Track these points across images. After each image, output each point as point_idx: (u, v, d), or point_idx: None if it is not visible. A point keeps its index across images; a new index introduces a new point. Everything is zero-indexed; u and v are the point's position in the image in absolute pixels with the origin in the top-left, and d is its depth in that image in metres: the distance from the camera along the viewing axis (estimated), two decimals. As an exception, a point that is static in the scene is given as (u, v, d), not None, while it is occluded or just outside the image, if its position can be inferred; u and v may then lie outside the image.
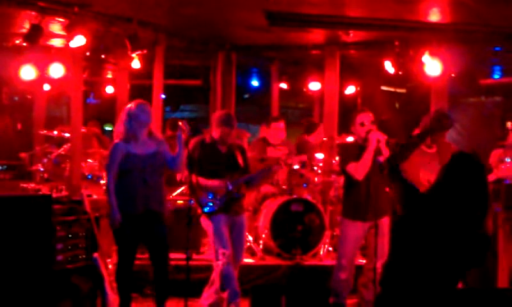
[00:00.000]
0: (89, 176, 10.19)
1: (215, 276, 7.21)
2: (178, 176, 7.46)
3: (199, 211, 7.47)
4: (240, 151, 7.71)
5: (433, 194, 4.70)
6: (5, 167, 10.65)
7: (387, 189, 7.29)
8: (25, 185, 9.45)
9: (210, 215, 7.38)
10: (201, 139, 7.60)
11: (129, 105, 7.15)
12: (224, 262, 7.21)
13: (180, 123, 7.15)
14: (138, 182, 6.99)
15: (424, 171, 7.23)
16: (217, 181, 7.41)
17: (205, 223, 7.51)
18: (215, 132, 7.55)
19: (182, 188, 9.19)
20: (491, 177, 9.28)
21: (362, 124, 7.31)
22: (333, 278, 7.48)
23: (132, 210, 6.98)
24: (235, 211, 7.55)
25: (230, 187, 7.43)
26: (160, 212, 7.12)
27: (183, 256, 7.46)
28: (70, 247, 7.60)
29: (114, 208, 6.95)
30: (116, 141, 7.12)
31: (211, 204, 7.38)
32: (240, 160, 7.62)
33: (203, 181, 7.37)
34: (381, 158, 7.11)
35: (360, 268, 7.75)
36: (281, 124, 10.00)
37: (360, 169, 7.18)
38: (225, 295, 7.21)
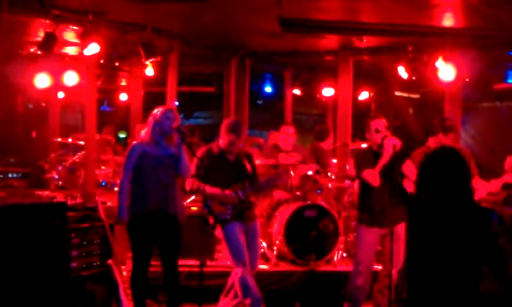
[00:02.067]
0: (104, 183, 10.20)
1: (233, 284, 7.18)
2: (187, 186, 7.42)
3: (211, 220, 7.44)
4: (248, 158, 7.70)
5: (417, 195, 4.67)
6: (20, 175, 10.69)
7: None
8: (40, 193, 9.47)
9: (223, 223, 7.37)
10: (208, 149, 7.58)
11: (155, 111, 7.17)
12: (242, 270, 7.20)
13: (180, 128, 7.12)
14: (151, 180, 6.99)
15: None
16: (226, 192, 7.39)
17: (220, 232, 7.49)
18: (222, 141, 7.54)
19: (193, 197, 9.19)
20: (498, 182, 9.16)
21: (377, 130, 7.29)
22: (350, 284, 7.45)
23: (145, 207, 6.97)
24: (248, 217, 7.54)
25: (241, 195, 7.41)
26: (174, 214, 7.09)
27: (197, 262, 7.44)
28: (84, 254, 7.62)
29: (122, 205, 6.96)
30: (134, 142, 7.17)
31: (223, 213, 7.36)
32: (248, 168, 7.61)
33: (212, 190, 7.36)
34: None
35: (375, 274, 7.72)
36: (291, 129, 9.96)
37: (375, 176, 7.15)
38: (247, 301, 7.19)
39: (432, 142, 8.02)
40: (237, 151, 7.59)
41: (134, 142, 7.20)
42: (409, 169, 7.15)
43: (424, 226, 4.61)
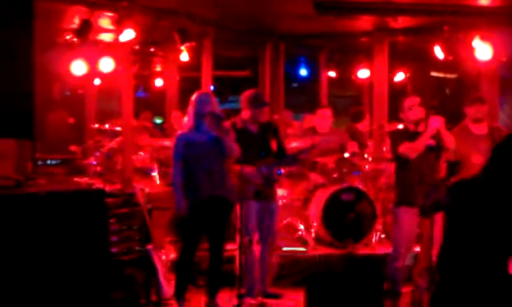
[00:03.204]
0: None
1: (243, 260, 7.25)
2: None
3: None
4: (273, 131, 7.67)
5: (484, 176, 4.57)
6: (59, 161, 10.77)
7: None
8: (78, 179, 9.52)
9: (243, 200, 7.34)
10: (232, 123, 7.55)
11: (195, 95, 7.21)
12: (250, 248, 7.35)
13: (214, 112, 7.10)
14: (200, 169, 7.05)
15: (476, 154, 7.14)
16: (250, 168, 7.36)
17: (237, 208, 7.47)
18: (244, 113, 7.53)
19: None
20: None
21: (410, 108, 7.24)
22: (389, 266, 7.39)
23: (197, 197, 7.03)
24: (267, 196, 7.52)
25: (265, 171, 7.39)
26: (226, 198, 7.13)
27: (235, 246, 7.45)
28: (124, 240, 7.63)
29: (178, 196, 7.04)
30: (178, 132, 7.22)
31: (246, 191, 7.34)
32: (273, 142, 7.59)
33: (237, 167, 7.34)
34: (432, 142, 7.04)
35: (415, 256, 7.65)
36: (328, 111, 9.88)
37: (413, 149, 7.06)
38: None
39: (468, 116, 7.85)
40: (260, 123, 7.58)
41: (179, 132, 7.25)
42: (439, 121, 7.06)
43: (467, 210, 4.54)
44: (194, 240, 7.15)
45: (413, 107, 7.23)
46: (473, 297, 4.43)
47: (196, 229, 7.10)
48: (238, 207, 7.39)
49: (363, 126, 10.86)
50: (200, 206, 7.02)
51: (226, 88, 15.29)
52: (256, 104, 7.53)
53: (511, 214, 4.37)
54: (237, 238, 7.35)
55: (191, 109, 7.18)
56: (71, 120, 13.16)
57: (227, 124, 7.13)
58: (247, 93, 7.69)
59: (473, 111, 7.64)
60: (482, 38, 10.12)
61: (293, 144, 9.33)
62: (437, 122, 7.00)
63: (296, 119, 13.40)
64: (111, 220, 7.48)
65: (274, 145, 7.63)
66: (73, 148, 11.41)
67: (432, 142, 7.09)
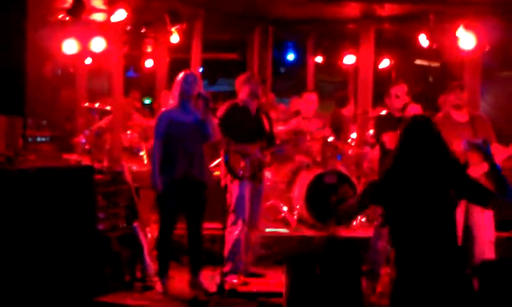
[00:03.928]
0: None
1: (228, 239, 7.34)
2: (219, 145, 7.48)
3: (226, 180, 7.47)
4: (266, 116, 7.76)
5: (394, 165, 4.66)
6: (48, 138, 10.74)
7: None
8: (67, 157, 9.52)
9: (240, 180, 7.41)
10: (233, 103, 7.61)
11: (180, 74, 7.20)
12: (239, 228, 7.39)
13: (201, 93, 7.12)
14: (180, 149, 7.05)
15: (458, 142, 7.16)
16: (250, 146, 7.44)
17: (231, 189, 7.51)
18: (242, 93, 7.58)
19: (219, 159, 9.21)
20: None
21: (397, 96, 7.27)
22: (370, 248, 7.44)
23: (172, 175, 7.04)
24: (258, 179, 7.62)
25: (258, 155, 7.48)
26: (201, 181, 7.15)
27: (220, 226, 7.49)
28: (111, 216, 7.67)
29: (155, 172, 7.05)
30: (162, 109, 7.21)
31: (243, 170, 7.40)
32: (266, 126, 7.65)
33: (236, 145, 7.40)
34: None
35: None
36: (313, 96, 9.90)
37: (394, 139, 7.09)
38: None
39: (446, 108, 7.89)
40: (256, 105, 7.63)
41: (163, 109, 7.24)
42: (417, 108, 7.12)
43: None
44: (171, 218, 7.18)
45: (400, 95, 7.26)
46: (428, 279, 4.49)
47: (172, 207, 7.12)
48: (232, 187, 7.45)
49: (347, 111, 10.89)
50: (175, 185, 7.04)
51: (214, 71, 15.28)
52: (254, 79, 7.62)
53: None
54: (228, 218, 7.41)
55: (176, 88, 7.16)
56: (61, 98, 13.10)
57: (214, 106, 7.18)
58: (242, 75, 7.79)
59: (453, 98, 7.66)
60: (467, 27, 10.13)
61: (279, 128, 9.38)
62: (414, 110, 7.03)
63: (283, 103, 13.42)
64: (99, 197, 7.51)
65: (267, 128, 7.70)
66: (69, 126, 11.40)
67: None
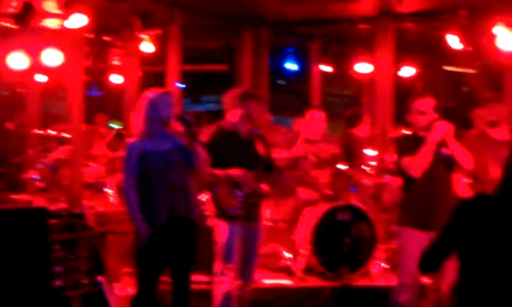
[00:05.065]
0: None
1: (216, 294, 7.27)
2: (207, 178, 7.43)
3: (214, 219, 7.45)
4: (262, 140, 7.71)
5: (499, 192, 4.61)
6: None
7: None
8: (16, 197, 9.52)
9: (231, 219, 7.37)
10: (219, 127, 7.58)
11: (149, 94, 7.12)
12: (230, 280, 7.33)
13: (181, 115, 7.11)
14: (159, 184, 6.97)
15: (494, 164, 7.15)
16: (238, 170, 7.40)
17: (218, 228, 7.47)
18: (233, 114, 7.54)
19: (207, 196, 9.22)
20: None
21: (422, 112, 7.21)
22: (392, 300, 7.42)
23: (155, 219, 6.95)
24: (254, 216, 7.55)
25: (254, 184, 7.44)
26: (189, 218, 7.09)
27: (207, 279, 7.47)
28: (70, 270, 7.63)
29: (138, 220, 6.88)
30: (130, 140, 7.13)
31: (233, 207, 7.37)
32: (261, 151, 7.62)
33: (223, 172, 7.36)
34: (447, 151, 7.04)
35: (422, 288, 7.68)
36: (320, 114, 9.88)
37: (416, 163, 7.07)
38: None
39: (479, 124, 7.90)
40: (248, 129, 7.61)
41: (130, 140, 7.14)
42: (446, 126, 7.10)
43: (479, 231, 4.56)
44: (154, 272, 7.08)
45: (425, 111, 7.20)
46: None
47: (156, 258, 7.04)
48: (218, 228, 7.42)
49: (361, 131, 10.88)
50: (159, 231, 6.96)
51: (197, 86, 15.35)
52: (248, 99, 7.57)
53: None
54: (215, 268, 7.37)
55: (147, 110, 7.09)
56: (9, 125, 13.14)
57: (197, 130, 7.15)
58: (233, 91, 7.74)
59: (485, 113, 7.66)
60: (506, 24, 10.18)
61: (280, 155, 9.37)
62: (443, 129, 7.00)
63: (283, 123, 13.44)
64: (55, 247, 7.48)
65: (262, 152, 7.67)
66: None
67: (445, 151, 7.10)
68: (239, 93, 7.69)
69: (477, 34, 10.62)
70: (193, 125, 7.03)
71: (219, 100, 8.01)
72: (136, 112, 7.13)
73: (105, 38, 12.01)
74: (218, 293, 7.39)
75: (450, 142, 6.99)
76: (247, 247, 7.56)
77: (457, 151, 7.00)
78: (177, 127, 7.10)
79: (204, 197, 8.29)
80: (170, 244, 7.03)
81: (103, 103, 14.57)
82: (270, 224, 9.55)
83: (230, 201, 7.38)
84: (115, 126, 14.85)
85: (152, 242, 6.92)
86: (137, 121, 7.08)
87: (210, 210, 7.64)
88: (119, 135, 13.62)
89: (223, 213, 7.38)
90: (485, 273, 4.52)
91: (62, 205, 8.52)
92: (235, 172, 7.38)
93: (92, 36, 11.10)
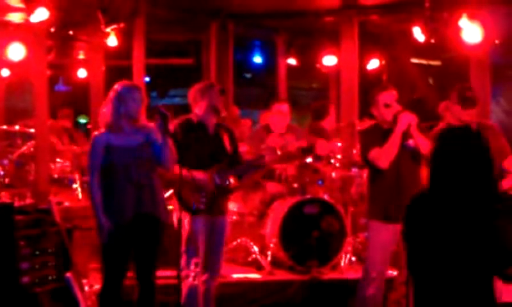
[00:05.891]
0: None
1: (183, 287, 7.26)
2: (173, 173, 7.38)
3: (176, 217, 7.42)
4: (229, 134, 7.68)
5: (430, 189, 4.65)
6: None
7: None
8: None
9: (194, 215, 7.34)
10: (186, 119, 7.52)
11: (116, 87, 7.05)
12: (195, 274, 7.31)
13: (160, 108, 7.04)
14: (124, 181, 6.93)
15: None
16: (202, 174, 7.36)
17: (184, 224, 7.45)
18: (198, 107, 7.50)
19: (170, 191, 9.19)
20: None
21: (386, 105, 7.25)
22: (358, 294, 7.44)
23: (120, 216, 6.91)
24: (219, 210, 7.52)
25: (218, 181, 7.40)
26: (154, 215, 7.05)
27: (174, 273, 7.44)
28: (37, 266, 7.58)
29: (100, 216, 6.85)
30: (96, 132, 7.07)
31: (197, 203, 7.34)
32: (228, 145, 7.59)
33: (188, 173, 7.29)
34: (412, 143, 7.09)
35: (390, 281, 7.72)
36: (285, 106, 9.89)
37: (384, 155, 7.11)
38: None
39: (449, 117, 7.94)
40: (216, 121, 7.58)
41: (96, 132, 7.09)
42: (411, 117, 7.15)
43: (427, 226, 4.60)
44: (120, 268, 7.05)
45: (390, 103, 7.25)
46: None
47: (121, 255, 7.01)
48: (183, 223, 7.38)
49: (327, 123, 10.89)
50: (125, 228, 6.93)
51: (164, 80, 15.28)
52: (212, 89, 7.53)
53: (468, 226, 4.40)
54: (180, 263, 7.34)
55: (114, 103, 7.03)
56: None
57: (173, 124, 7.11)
58: (197, 84, 7.70)
59: (465, 115, 7.65)
60: (471, 17, 10.22)
61: (244, 149, 9.35)
62: (408, 119, 7.05)
63: (249, 117, 13.45)
64: (21, 243, 7.43)
65: (228, 148, 7.64)
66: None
67: (411, 143, 7.15)
68: (202, 85, 7.66)
69: (442, 26, 10.64)
70: (170, 119, 6.98)
71: (186, 93, 7.97)
72: (104, 105, 7.09)
73: (70, 32, 11.91)
74: (184, 287, 7.37)
75: (415, 132, 7.06)
76: (212, 241, 7.54)
77: (421, 142, 7.06)
78: (147, 122, 7.06)
79: (168, 192, 8.27)
80: (135, 241, 7.00)
81: (70, 98, 14.46)
82: (238, 218, 9.57)
83: (193, 196, 7.35)
84: (83, 120, 14.80)
85: (117, 239, 6.89)
86: (104, 114, 7.03)
87: (174, 204, 7.61)
88: (85, 129, 13.59)
89: (187, 208, 7.35)
90: (430, 266, 4.56)
91: (28, 201, 8.45)
92: (199, 175, 7.34)
93: (56, 30, 10.99)
